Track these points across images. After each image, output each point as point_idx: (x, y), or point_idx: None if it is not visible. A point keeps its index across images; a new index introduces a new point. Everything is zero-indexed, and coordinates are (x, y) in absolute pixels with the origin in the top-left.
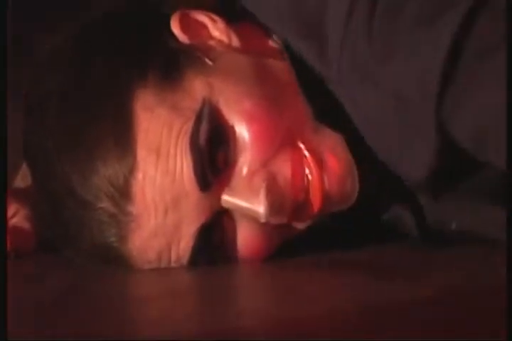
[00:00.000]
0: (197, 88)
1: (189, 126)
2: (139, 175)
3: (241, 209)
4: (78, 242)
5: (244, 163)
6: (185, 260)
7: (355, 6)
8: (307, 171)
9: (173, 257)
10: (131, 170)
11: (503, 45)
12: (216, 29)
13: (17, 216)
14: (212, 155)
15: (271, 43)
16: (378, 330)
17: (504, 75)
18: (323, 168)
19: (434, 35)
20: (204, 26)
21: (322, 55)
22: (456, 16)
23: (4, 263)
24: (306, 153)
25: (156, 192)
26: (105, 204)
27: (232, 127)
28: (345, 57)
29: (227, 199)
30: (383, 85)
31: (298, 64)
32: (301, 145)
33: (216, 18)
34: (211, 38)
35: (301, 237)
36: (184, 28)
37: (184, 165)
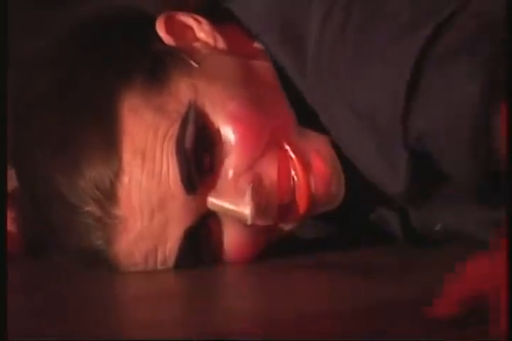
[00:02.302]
0: (182, 90)
1: (175, 129)
2: (125, 179)
3: (227, 211)
4: (65, 245)
5: (230, 165)
6: (171, 262)
7: (330, 14)
8: (293, 173)
9: (160, 260)
10: (117, 174)
11: (464, 51)
12: (201, 31)
13: None
14: (198, 158)
15: (256, 44)
16: (369, 330)
17: (465, 76)
18: (309, 169)
19: (402, 49)
20: (189, 28)
21: (298, 62)
22: (421, 37)
23: (4, 264)
24: (292, 154)
25: (143, 195)
26: (91, 207)
27: (218, 129)
28: (321, 65)
29: (213, 201)
30: (353, 102)
31: (279, 67)
32: (287, 147)
33: (201, 19)
34: (197, 39)
35: (288, 239)
36: (169, 30)
37: (170, 168)
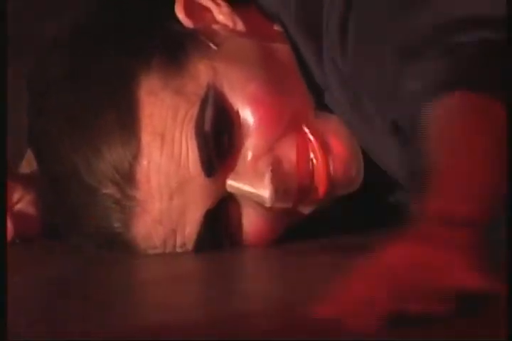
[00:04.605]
0: (201, 73)
1: (194, 111)
2: (144, 161)
3: (246, 193)
4: (83, 228)
5: (250, 148)
6: (190, 245)
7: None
8: (312, 156)
9: (179, 243)
10: (136, 156)
11: None
12: (220, 13)
13: (22, 201)
14: (218, 140)
15: (275, 27)
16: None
17: None
18: (328, 152)
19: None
20: (208, 10)
21: (314, 46)
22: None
23: (4, 259)
24: (311, 137)
25: (161, 177)
26: (110, 189)
27: (237, 112)
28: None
29: (232, 183)
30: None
31: (297, 50)
32: (306, 130)
33: (220, 2)
34: (215, 22)
35: (306, 222)
36: (188, 13)
37: (189, 151)
